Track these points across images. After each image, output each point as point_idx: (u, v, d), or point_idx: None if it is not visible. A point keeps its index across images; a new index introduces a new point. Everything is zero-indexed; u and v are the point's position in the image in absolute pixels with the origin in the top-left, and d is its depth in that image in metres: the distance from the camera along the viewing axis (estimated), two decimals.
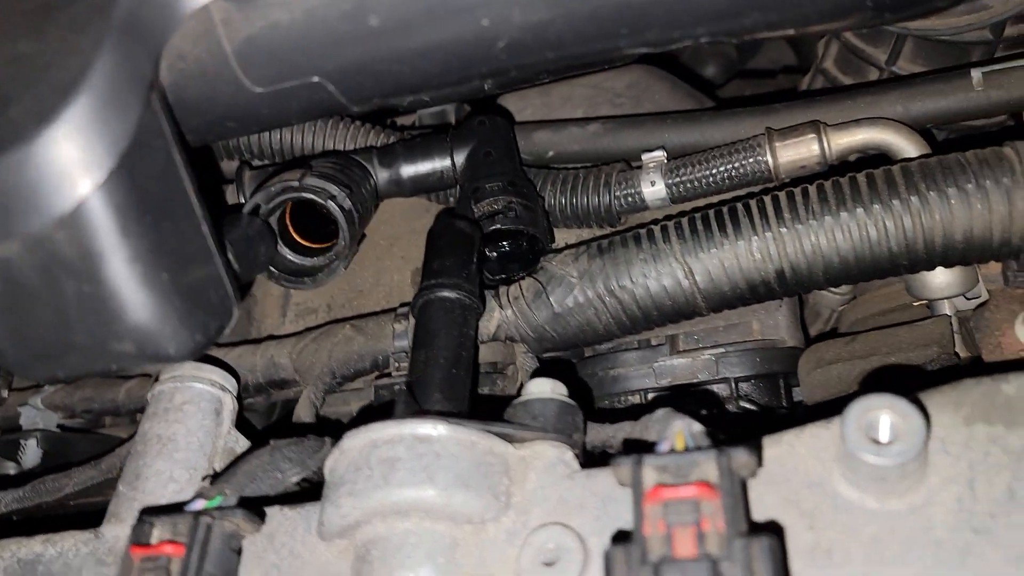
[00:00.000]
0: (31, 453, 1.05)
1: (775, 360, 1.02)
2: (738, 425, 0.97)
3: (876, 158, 0.97)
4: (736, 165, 1.00)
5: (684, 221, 0.93)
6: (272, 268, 0.90)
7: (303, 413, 0.99)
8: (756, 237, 0.88)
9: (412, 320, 0.90)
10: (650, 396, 1.04)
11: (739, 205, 0.91)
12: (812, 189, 0.89)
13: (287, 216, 0.91)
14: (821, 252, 0.87)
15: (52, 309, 0.58)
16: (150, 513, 0.66)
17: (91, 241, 0.54)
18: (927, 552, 0.58)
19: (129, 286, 0.57)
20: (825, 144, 0.97)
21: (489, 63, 0.65)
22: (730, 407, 1.01)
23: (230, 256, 0.71)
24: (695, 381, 1.02)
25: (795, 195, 0.89)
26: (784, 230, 0.88)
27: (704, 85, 1.38)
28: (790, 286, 0.90)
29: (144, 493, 0.78)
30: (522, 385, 1.03)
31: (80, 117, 0.49)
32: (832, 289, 1.14)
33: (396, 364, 0.97)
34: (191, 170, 0.63)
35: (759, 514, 0.61)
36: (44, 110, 0.49)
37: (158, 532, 0.65)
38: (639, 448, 0.70)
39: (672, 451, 0.59)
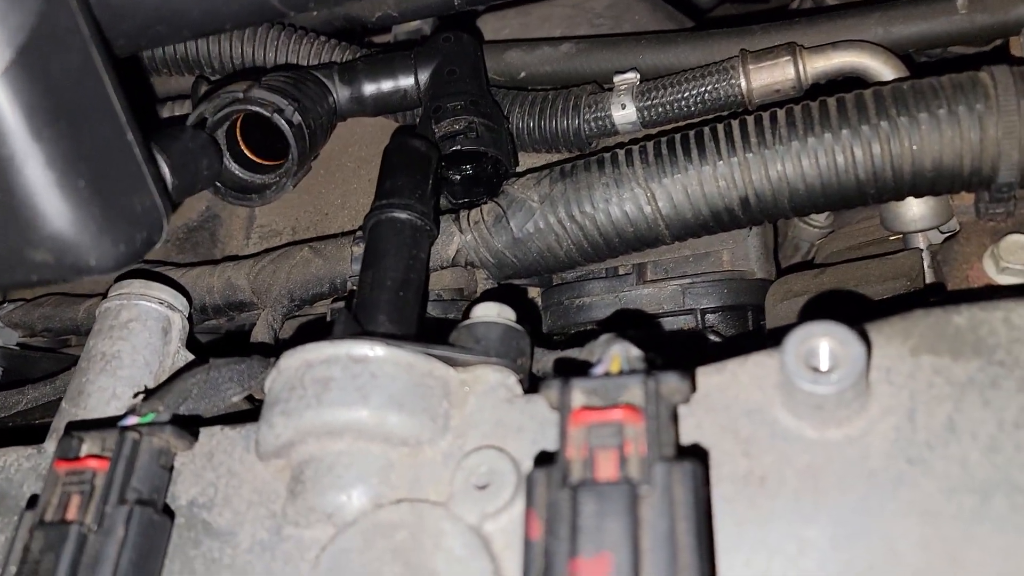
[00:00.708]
0: None
1: (743, 292, 1.00)
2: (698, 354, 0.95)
3: (853, 83, 0.93)
4: (708, 88, 0.96)
5: (648, 145, 0.90)
6: (218, 184, 0.87)
7: (261, 336, 0.98)
8: (721, 162, 0.85)
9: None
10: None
11: (705, 129, 0.88)
12: (780, 113, 0.86)
13: (237, 130, 0.88)
14: (787, 179, 0.84)
15: None
16: (79, 428, 0.65)
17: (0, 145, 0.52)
18: (860, 481, 0.56)
19: (42, 192, 0.55)
20: (800, 67, 0.94)
21: None
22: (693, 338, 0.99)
23: (166, 167, 0.69)
24: (661, 311, 1.00)
25: (763, 119, 0.86)
26: (750, 155, 0.84)
27: (692, 9, 1.33)
28: (755, 214, 0.87)
29: (86, 410, 0.78)
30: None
31: None
32: (810, 221, 1.12)
33: (353, 288, 0.95)
34: (115, 75, 0.60)
35: (695, 439, 0.60)
36: None
37: (87, 447, 0.64)
38: (576, 371, 0.69)
39: (606, 375, 0.58)
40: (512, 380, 0.69)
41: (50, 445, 0.77)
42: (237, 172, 0.88)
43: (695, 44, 1.02)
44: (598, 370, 0.58)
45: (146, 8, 0.62)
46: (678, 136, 0.89)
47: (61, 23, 0.53)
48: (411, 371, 0.66)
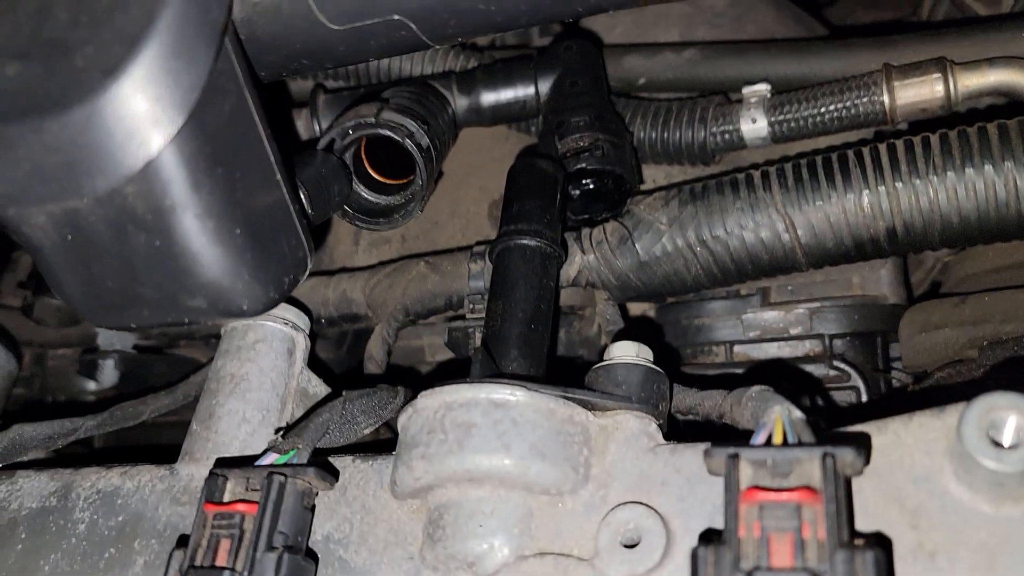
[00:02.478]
0: (108, 373, 1.07)
1: (874, 318, 0.95)
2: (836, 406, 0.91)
3: (1009, 105, 0.87)
4: (848, 104, 0.91)
5: (787, 168, 0.85)
6: (346, 207, 0.86)
7: (375, 349, 0.97)
8: (867, 191, 0.80)
9: (489, 265, 0.86)
10: (735, 349, 0.99)
11: (850, 153, 0.83)
12: (934, 139, 0.80)
13: (362, 151, 0.86)
14: (939, 211, 0.79)
15: (121, 262, 0.55)
16: (223, 465, 0.65)
17: (161, 196, 0.51)
18: None
19: (200, 241, 0.54)
20: (951, 85, 0.87)
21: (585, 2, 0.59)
22: (822, 365, 0.96)
23: (305, 200, 0.68)
24: (786, 336, 0.97)
25: (914, 145, 0.81)
26: (899, 184, 0.80)
27: (810, 2, 1.26)
28: (901, 245, 0.82)
29: (217, 433, 0.78)
30: (599, 328, 1.00)
31: (149, 68, 0.45)
32: None
33: (471, 305, 0.94)
34: (263, 111, 0.59)
35: (858, 508, 0.57)
36: (111, 61, 0.45)
37: (231, 486, 0.64)
38: (730, 431, 0.66)
39: (769, 442, 0.55)
40: (653, 427, 0.67)
41: (182, 467, 0.77)
42: (364, 195, 0.86)
43: (832, 54, 0.97)
44: (759, 437, 0.55)
45: (292, 44, 0.61)
46: (819, 160, 0.84)
47: (222, 70, 0.52)
48: (551, 417, 0.65)
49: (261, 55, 0.62)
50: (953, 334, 0.87)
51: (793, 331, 0.97)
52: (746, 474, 0.52)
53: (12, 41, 0.49)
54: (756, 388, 0.64)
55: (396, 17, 0.58)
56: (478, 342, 0.92)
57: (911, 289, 1.03)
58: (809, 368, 0.96)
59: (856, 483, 0.57)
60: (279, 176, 0.61)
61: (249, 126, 0.57)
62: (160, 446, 0.86)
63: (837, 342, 0.96)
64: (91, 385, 1.24)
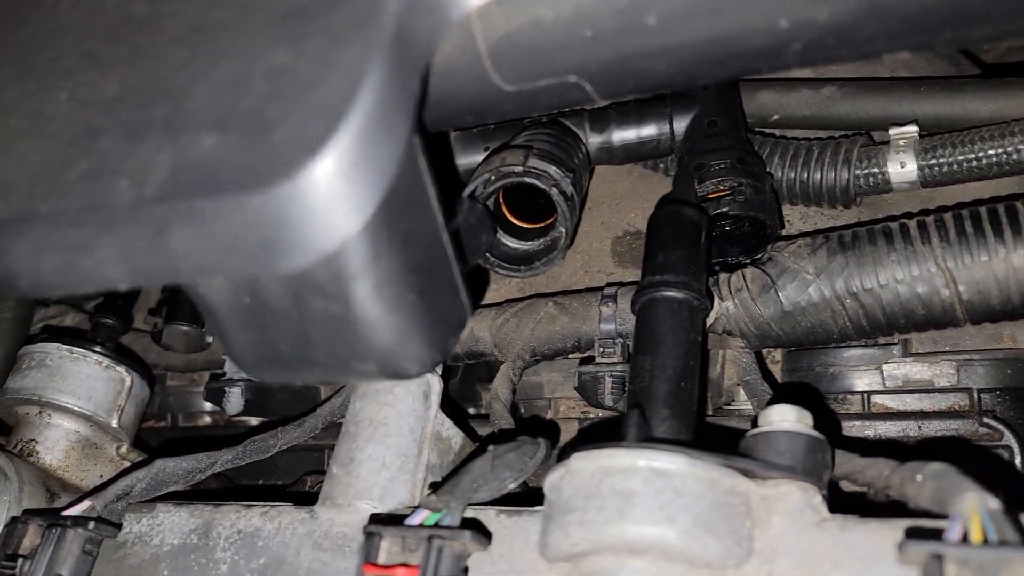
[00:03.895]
0: (234, 401, 1.08)
1: None
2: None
3: None
4: (1009, 149, 0.86)
5: (948, 219, 0.81)
6: (489, 254, 0.85)
7: (501, 389, 0.96)
8: None
9: (625, 311, 0.84)
10: (874, 400, 0.95)
11: (1019, 204, 0.79)
12: None
13: (499, 196, 0.85)
14: None
15: (296, 327, 0.55)
16: (376, 523, 0.65)
17: (346, 272, 0.50)
18: None
19: (377, 309, 0.54)
20: None
21: (771, 62, 0.56)
22: (970, 420, 0.91)
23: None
24: (930, 388, 0.92)
25: None
26: None
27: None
28: None
29: (358, 479, 0.78)
30: (723, 365, 0.97)
31: (348, 147, 0.45)
32: None
33: (601, 349, 0.92)
34: (433, 175, 0.58)
35: None
36: (311, 138, 0.45)
37: (386, 545, 0.64)
38: (895, 505, 0.62)
39: (965, 538, 0.52)
40: (818, 500, 0.64)
41: (323, 511, 0.78)
42: (506, 242, 0.85)
43: (987, 94, 0.92)
44: (956, 532, 0.52)
45: (461, 102, 0.60)
46: (984, 211, 0.80)
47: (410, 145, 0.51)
48: (714, 488, 0.62)
49: (428, 112, 0.61)
50: None
51: (938, 383, 0.92)
52: (950, 574, 0.49)
53: (208, 111, 0.49)
54: (937, 466, 0.60)
55: (572, 79, 0.57)
56: (609, 388, 0.91)
57: None
58: (955, 424, 0.92)
59: None
60: (445, 238, 0.60)
61: (423, 191, 0.57)
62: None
63: (986, 397, 0.91)
64: (207, 406, 1.27)
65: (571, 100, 0.61)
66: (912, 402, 0.94)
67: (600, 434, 0.93)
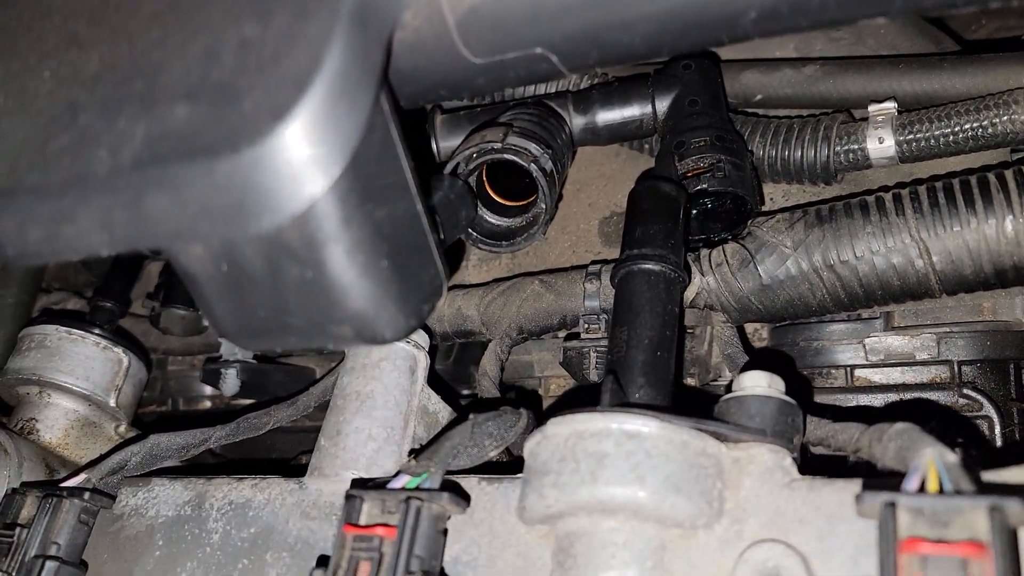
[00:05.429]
0: (231, 382, 1.10)
1: (1008, 344, 0.91)
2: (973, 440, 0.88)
3: None
4: (984, 123, 0.87)
5: (921, 191, 0.82)
6: (471, 230, 0.87)
7: (489, 366, 0.98)
8: (1011, 216, 0.77)
9: (608, 287, 0.86)
10: (856, 373, 0.96)
11: (991, 176, 0.80)
12: None
13: (483, 173, 0.87)
14: None
15: (273, 292, 0.57)
16: (358, 486, 0.67)
17: (317, 235, 0.52)
18: None
19: (350, 274, 0.55)
20: None
21: (732, 32, 0.58)
22: (950, 392, 0.92)
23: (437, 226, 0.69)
24: (911, 361, 0.93)
25: None
26: None
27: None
28: None
29: (345, 450, 0.80)
30: (710, 343, 0.98)
31: (314, 113, 0.47)
32: None
33: (586, 325, 0.94)
34: (407, 145, 0.60)
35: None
36: (278, 105, 0.47)
37: (368, 508, 0.65)
38: (870, 469, 0.64)
39: (923, 489, 0.53)
40: (788, 462, 0.66)
41: (311, 482, 0.80)
42: (488, 218, 0.87)
43: (963, 71, 0.93)
44: (913, 483, 0.53)
45: (434, 76, 0.62)
46: (957, 183, 0.81)
47: (377, 111, 0.53)
48: (685, 450, 0.64)
49: (402, 86, 0.63)
50: None
51: (919, 356, 0.93)
52: (903, 522, 0.51)
53: (181, 83, 0.51)
54: (900, 425, 0.62)
55: (539, 50, 0.58)
56: (593, 363, 0.92)
57: None
58: (936, 396, 0.93)
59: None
60: (419, 207, 0.62)
61: (394, 159, 0.58)
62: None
63: (966, 369, 0.92)
64: (207, 390, 1.29)
65: (540, 73, 0.62)
66: (894, 375, 0.96)
67: (578, 401, 0.95)
